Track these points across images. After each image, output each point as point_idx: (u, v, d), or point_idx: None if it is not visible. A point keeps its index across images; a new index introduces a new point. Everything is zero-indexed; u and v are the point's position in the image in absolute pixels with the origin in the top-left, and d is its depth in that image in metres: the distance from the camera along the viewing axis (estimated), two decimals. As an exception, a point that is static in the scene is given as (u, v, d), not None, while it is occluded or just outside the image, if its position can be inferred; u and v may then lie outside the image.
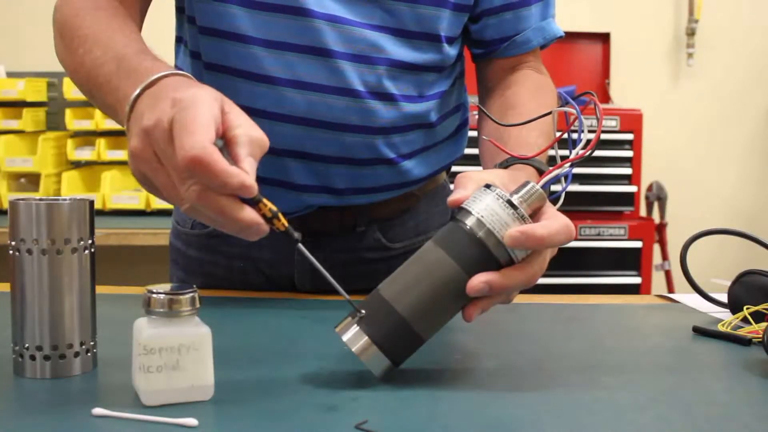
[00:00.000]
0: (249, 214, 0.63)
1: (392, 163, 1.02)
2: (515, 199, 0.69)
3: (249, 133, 0.65)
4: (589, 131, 0.71)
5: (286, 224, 0.66)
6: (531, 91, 1.02)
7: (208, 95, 0.65)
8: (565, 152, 0.74)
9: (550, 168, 0.73)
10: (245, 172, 0.62)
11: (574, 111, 0.73)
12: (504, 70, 1.07)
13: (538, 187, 0.71)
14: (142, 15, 0.98)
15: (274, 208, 0.65)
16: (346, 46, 0.96)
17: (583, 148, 0.71)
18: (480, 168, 0.87)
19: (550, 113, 0.81)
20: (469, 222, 0.69)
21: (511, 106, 0.99)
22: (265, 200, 0.65)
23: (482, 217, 0.68)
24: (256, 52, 0.95)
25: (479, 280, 0.68)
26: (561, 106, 0.76)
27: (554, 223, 0.69)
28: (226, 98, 0.67)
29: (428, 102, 1.03)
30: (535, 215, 0.71)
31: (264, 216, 0.65)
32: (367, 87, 0.97)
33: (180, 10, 1.05)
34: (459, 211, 0.70)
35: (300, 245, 0.67)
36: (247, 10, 0.94)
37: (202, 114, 0.63)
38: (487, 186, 0.70)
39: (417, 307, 0.68)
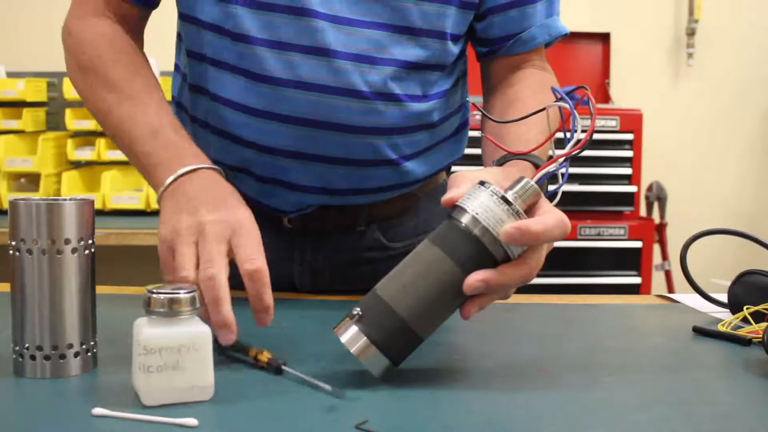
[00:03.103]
0: (229, 315, 0.72)
1: (394, 163, 1.02)
2: (509, 195, 0.69)
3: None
4: (583, 131, 0.71)
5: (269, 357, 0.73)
6: (533, 89, 1.01)
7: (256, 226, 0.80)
8: (561, 150, 0.74)
9: (545, 163, 0.73)
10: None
11: (567, 106, 0.73)
12: (508, 68, 1.07)
13: (532, 182, 0.70)
14: (142, 35, 1.06)
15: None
16: (350, 47, 0.96)
17: (577, 144, 0.71)
18: (480, 167, 0.87)
19: (543, 109, 0.80)
20: (465, 220, 0.69)
21: (513, 104, 0.99)
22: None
23: (477, 214, 0.68)
24: (259, 52, 0.95)
25: (476, 278, 0.68)
26: (555, 102, 0.76)
27: (549, 217, 0.69)
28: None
29: (431, 101, 1.03)
30: (530, 211, 0.71)
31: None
32: (371, 87, 0.97)
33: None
34: (454, 209, 0.70)
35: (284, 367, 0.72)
36: (251, 10, 0.94)
37: (260, 242, 0.78)
38: (481, 183, 0.70)
39: (415, 306, 0.68)
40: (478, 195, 0.69)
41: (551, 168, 0.72)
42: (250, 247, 0.76)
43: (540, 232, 0.68)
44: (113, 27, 1.01)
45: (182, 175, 0.84)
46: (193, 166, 0.85)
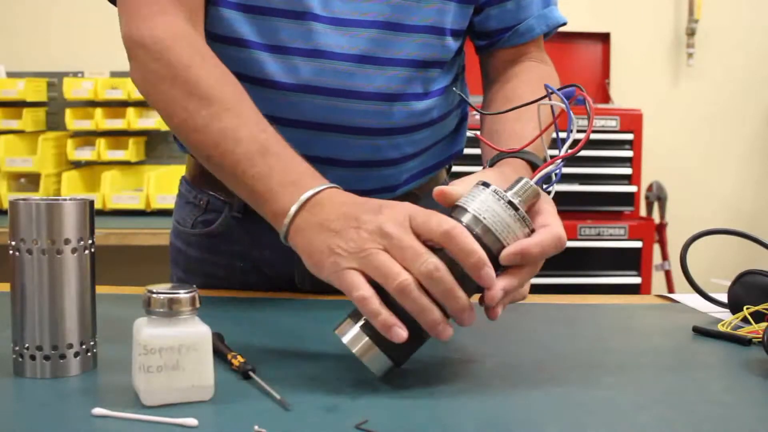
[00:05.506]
0: (467, 299, 0.66)
1: (395, 163, 1.02)
2: (511, 196, 0.69)
3: None
4: (579, 131, 0.71)
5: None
6: (532, 85, 1.01)
7: None
8: (555, 151, 0.74)
9: (544, 164, 0.73)
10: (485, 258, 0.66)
11: (563, 106, 0.73)
12: (506, 61, 1.07)
13: (532, 183, 0.71)
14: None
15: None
16: (351, 48, 0.95)
17: (573, 146, 0.71)
18: (480, 168, 0.87)
19: (538, 100, 0.79)
20: (465, 219, 0.69)
21: (511, 101, 0.99)
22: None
23: (478, 214, 0.68)
24: (258, 56, 0.95)
25: (499, 287, 0.68)
26: (547, 100, 0.75)
27: (547, 238, 0.70)
28: None
29: (432, 99, 1.03)
30: (530, 212, 0.71)
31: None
32: (374, 88, 0.97)
33: None
34: (454, 209, 0.71)
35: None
36: (246, 15, 0.94)
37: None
38: (484, 184, 0.70)
39: None
40: (478, 195, 0.69)
41: (550, 168, 0.72)
42: (435, 214, 0.67)
43: (538, 254, 0.69)
44: (187, 27, 0.89)
45: (308, 199, 0.73)
46: (317, 189, 0.74)
